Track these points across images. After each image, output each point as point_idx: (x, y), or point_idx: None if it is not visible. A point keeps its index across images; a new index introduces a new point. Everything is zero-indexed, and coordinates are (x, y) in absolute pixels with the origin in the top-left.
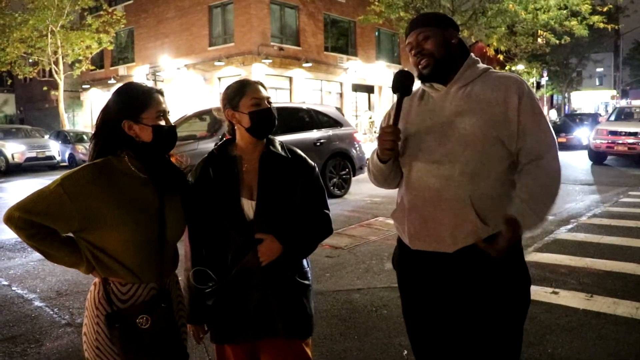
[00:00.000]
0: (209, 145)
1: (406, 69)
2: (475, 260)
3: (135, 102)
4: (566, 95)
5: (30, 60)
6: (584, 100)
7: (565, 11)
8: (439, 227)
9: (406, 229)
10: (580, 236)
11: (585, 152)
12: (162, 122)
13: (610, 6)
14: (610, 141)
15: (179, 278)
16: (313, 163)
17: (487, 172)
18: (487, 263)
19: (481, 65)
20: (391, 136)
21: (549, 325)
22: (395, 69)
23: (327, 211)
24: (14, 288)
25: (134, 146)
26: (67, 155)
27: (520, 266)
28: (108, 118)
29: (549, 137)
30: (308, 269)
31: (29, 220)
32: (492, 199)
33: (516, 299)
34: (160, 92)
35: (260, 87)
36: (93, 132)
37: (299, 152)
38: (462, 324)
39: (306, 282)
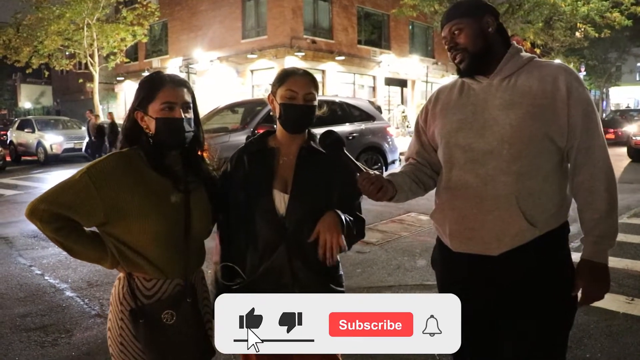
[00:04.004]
0: (240, 137)
1: (329, 130)
2: (522, 263)
3: (145, 91)
4: (604, 90)
5: (67, 53)
6: (623, 95)
7: (606, 2)
8: (483, 229)
9: (447, 231)
10: (620, 236)
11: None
12: (172, 115)
13: None
14: None
15: (205, 273)
16: None
17: (535, 170)
18: (534, 266)
19: (525, 54)
20: (367, 186)
21: (586, 329)
22: (429, 62)
23: (362, 216)
24: (46, 277)
25: (147, 138)
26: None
27: (568, 269)
28: (130, 108)
29: (599, 130)
30: (342, 272)
31: (55, 212)
32: (539, 198)
33: (564, 304)
34: (178, 83)
35: (304, 80)
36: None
37: None
38: (506, 329)
39: (340, 288)
